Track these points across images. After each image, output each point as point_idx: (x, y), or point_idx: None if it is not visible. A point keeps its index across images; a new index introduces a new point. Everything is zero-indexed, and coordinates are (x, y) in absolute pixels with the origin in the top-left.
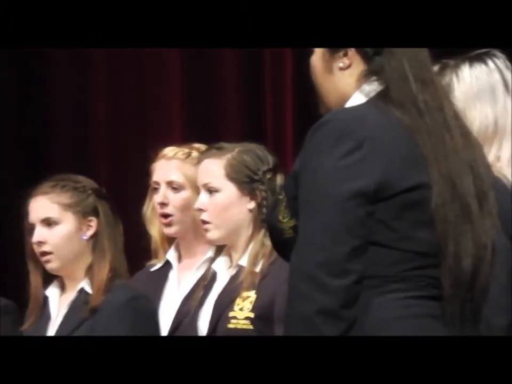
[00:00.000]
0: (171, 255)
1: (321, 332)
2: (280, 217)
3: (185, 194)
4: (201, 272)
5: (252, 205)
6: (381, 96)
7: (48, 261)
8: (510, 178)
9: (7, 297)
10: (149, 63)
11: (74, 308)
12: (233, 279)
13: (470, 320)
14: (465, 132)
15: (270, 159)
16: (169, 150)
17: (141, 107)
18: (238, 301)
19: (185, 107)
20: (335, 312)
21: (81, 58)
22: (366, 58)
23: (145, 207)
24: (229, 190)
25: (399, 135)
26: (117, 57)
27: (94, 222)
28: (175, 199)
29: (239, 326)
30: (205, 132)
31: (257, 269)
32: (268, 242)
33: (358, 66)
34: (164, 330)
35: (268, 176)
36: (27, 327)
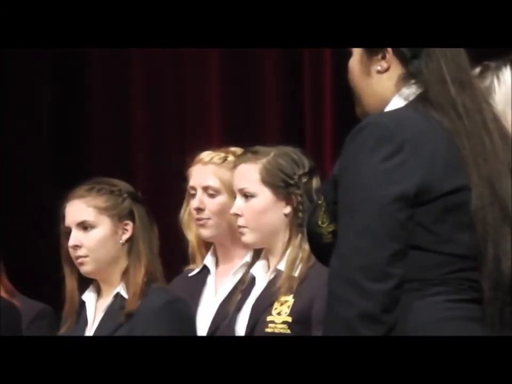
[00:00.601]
0: (208, 260)
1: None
2: (319, 222)
3: (221, 199)
4: (238, 277)
5: (288, 209)
6: (420, 99)
7: (83, 264)
8: None
9: (44, 301)
10: (188, 65)
11: (110, 312)
12: (271, 283)
13: (509, 323)
14: (504, 134)
15: (306, 163)
16: (206, 155)
17: (180, 111)
18: (276, 305)
19: (224, 110)
20: (375, 317)
21: (121, 60)
22: (404, 61)
23: (182, 212)
24: (265, 195)
25: (439, 138)
26: (156, 59)
27: (129, 226)
28: (211, 204)
29: (276, 330)
30: (244, 135)
31: (296, 274)
32: (306, 247)
33: (396, 69)
34: (202, 335)
35: (304, 180)
36: (64, 332)
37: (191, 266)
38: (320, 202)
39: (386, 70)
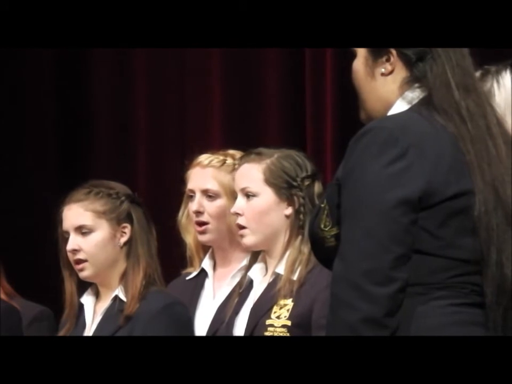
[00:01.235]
0: (206, 263)
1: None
2: (322, 226)
3: (220, 202)
4: (236, 280)
5: (289, 211)
6: (424, 103)
7: (82, 269)
8: None
9: (44, 304)
10: (190, 68)
11: (109, 315)
12: (270, 286)
13: None
14: (508, 139)
15: (309, 166)
16: (204, 158)
17: (181, 114)
18: (275, 308)
19: (225, 113)
20: (379, 321)
21: (122, 63)
22: (409, 65)
23: (180, 215)
24: (267, 195)
25: (443, 142)
26: (157, 59)
27: (128, 229)
28: (210, 207)
29: (276, 334)
30: (245, 137)
31: (295, 277)
32: (305, 249)
33: (401, 72)
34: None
35: (306, 182)
36: (63, 335)
37: (189, 269)
38: (323, 205)
39: (391, 72)
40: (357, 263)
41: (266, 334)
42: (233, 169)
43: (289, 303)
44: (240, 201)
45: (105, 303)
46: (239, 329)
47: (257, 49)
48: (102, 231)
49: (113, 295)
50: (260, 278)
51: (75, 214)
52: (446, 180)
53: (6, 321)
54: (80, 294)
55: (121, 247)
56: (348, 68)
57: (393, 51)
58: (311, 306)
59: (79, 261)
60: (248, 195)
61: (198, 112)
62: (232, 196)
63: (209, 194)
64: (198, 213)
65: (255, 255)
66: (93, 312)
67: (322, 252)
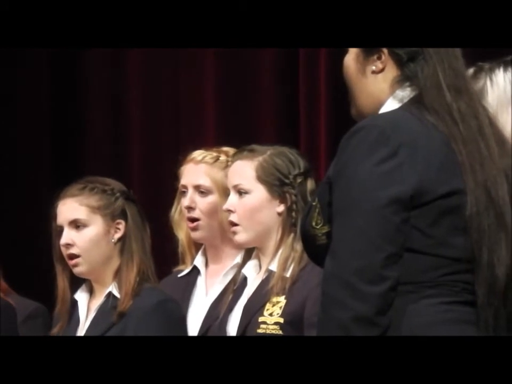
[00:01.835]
0: (199, 261)
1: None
2: (313, 223)
3: (212, 198)
4: (229, 278)
5: (281, 208)
6: (415, 102)
7: (76, 264)
8: None
9: (39, 300)
10: (184, 65)
11: (102, 312)
12: (263, 284)
13: (504, 327)
14: (500, 139)
15: (302, 163)
16: (198, 154)
17: (175, 111)
18: (268, 306)
19: (219, 110)
20: (370, 319)
21: (117, 60)
22: (400, 64)
23: (173, 211)
24: (259, 192)
25: (434, 141)
26: (152, 59)
27: (122, 225)
28: (202, 203)
29: (268, 331)
30: (238, 135)
31: (288, 274)
32: (298, 247)
33: (391, 71)
34: (193, 335)
35: (299, 180)
36: (56, 331)
37: (180, 267)
38: (314, 203)
39: (382, 70)
40: (348, 261)
41: (259, 331)
42: (227, 166)
43: (281, 300)
44: (232, 198)
45: (99, 299)
46: (232, 326)
47: (252, 48)
48: (96, 226)
49: (107, 292)
50: (253, 275)
51: (69, 208)
52: (437, 178)
53: (1, 318)
54: (74, 290)
55: (115, 243)
56: (341, 64)
57: (385, 50)
58: (303, 303)
59: (72, 256)
60: (241, 192)
61: (192, 110)
62: (225, 192)
63: (201, 190)
64: (190, 208)
65: (249, 252)
66: (87, 309)
67: (314, 249)
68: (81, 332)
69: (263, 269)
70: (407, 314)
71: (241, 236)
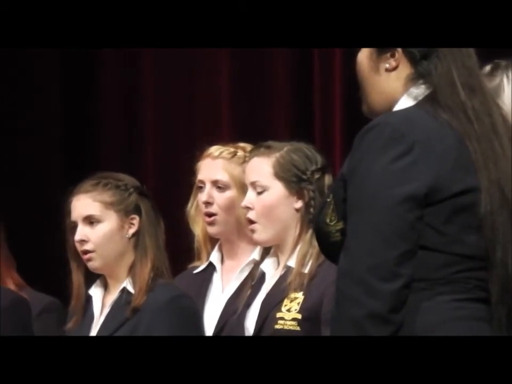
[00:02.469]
0: (214, 257)
1: (369, 335)
2: (328, 220)
3: (230, 193)
4: (245, 274)
5: (299, 204)
6: (429, 100)
7: (90, 260)
8: None
9: (51, 295)
10: (199, 60)
11: (116, 307)
12: (281, 280)
13: None
14: None
15: (319, 159)
16: (215, 149)
17: (190, 107)
18: (286, 301)
19: (234, 106)
20: (384, 317)
21: (132, 54)
22: (413, 62)
23: (189, 206)
24: (277, 189)
25: (448, 138)
26: (167, 55)
27: (136, 220)
28: (219, 199)
29: (286, 327)
30: (253, 132)
31: (306, 270)
32: (316, 243)
33: (405, 69)
34: (209, 332)
35: (316, 176)
36: (71, 326)
37: (196, 263)
38: (328, 200)
39: (395, 68)
40: (363, 258)
41: (277, 327)
42: (244, 161)
43: (299, 296)
44: (250, 195)
45: (113, 295)
46: (250, 321)
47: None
48: (110, 221)
49: (121, 287)
50: (272, 271)
51: (83, 204)
52: (451, 176)
53: (15, 312)
54: (88, 286)
55: (129, 239)
56: (355, 60)
57: (399, 48)
58: (321, 299)
59: (87, 252)
60: (258, 189)
61: (207, 105)
62: (242, 188)
63: (219, 186)
64: (208, 203)
65: (267, 249)
66: (101, 304)
67: (328, 246)
68: (95, 327)
69: (281, 265)
70: (420, 312)
71: (260, 235)
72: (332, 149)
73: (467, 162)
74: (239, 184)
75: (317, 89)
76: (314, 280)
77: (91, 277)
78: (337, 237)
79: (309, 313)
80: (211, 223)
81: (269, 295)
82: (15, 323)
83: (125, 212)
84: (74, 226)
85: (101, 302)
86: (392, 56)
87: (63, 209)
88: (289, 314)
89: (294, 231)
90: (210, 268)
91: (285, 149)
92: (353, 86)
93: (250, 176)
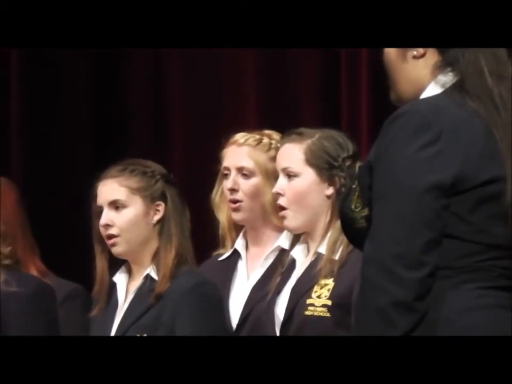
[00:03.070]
0: (239, 244)
1: (394, 323)
2: (353, 207)
3: (255, 180)
4: (269, 262)
5: (330, 191)
6: (457, 88)
7: (114, 244)
8: None
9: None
10: (225, 49)
11: (140, 294)
12: (311, 266)
13: None
14: None
15: (350, 146)
16: (240, 136)
17: (216, 93)
18: (316, 288)
19: (261, 94)
20: (409, 304)
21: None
22: (441, 49)
23: (214, 193)
24: (308, 176)
25: (476, 128)
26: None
27: (161, 207)
28: (245, 185)
29: (316, 313)
30: (280, 120)
31: (336, 257)
32: None
33: (432, 56)
34: (234, 319)
35: (348, 163)
36: (95, 313)
37: (221, 250)
38: (354, 186)
39: (423, 55)
40: (388, 246)
41: (307, 313)
42: (269, 148)
43: (330, 282)
44: (281, 181)
45: (137, 281)
46: (281, 308)
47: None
48: (136, 207)
49: (145, 274)
50: (302, 258)
51: (110, 189)
52: (478, 165)
53: (41, 300)
54: (113, 274)
55: (154, 225)
56: (383, 50)
57: None
58: (351, 286)
59: (111, 236)
60: (289, 175)
61: (233, 92)
62: (267, 175)
63: (244, 173)
64: (233, 190)
65: (297, 235)
66: (125, 291)
67: (353, 232)
68: (119, 313)
69: (311, 252)
70: (444, 300)
71: (291, 222)
72: (359, 136)
73: (494, 152)
74: (264, 171)
75: (344, 75)
76: (344, 267)
77: (115, 265)
78: (362, 223)
79: (339, 300)
80: (236, 209)
81: (299, 281)
82: (41, 310)
83: (151, 198)
84: (100, 211)
85: (125, 288)
86: None
87: (89, 195)
88: (319, 300)
89: (324, 218)
90: (235, 255)
91: (317, 135)
92: (380, 72)
93: (282, 162)
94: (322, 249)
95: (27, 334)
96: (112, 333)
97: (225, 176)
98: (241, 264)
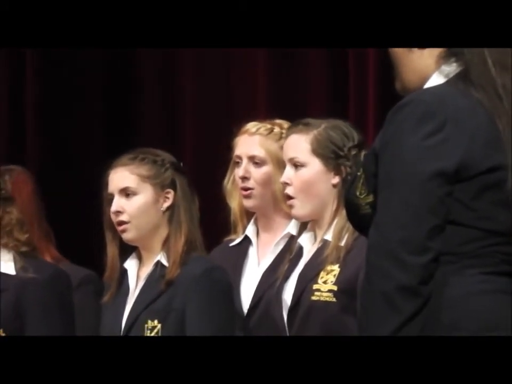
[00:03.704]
0: (250, 230)
1: (398, 308)
2: (358, 193)
3: (266, 169)
4: (279, 248)
5: (336, 180)
6: (461, 78)
7: (124, 230)
8: None
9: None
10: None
11: (151, 280)
12: (318, 253)
13: None
14: None
15: (355, 136)
16: (252, 126)
17: (227, 85)
18: (322, 274)
19: (270, 85)
20: (413, 289)
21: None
22: None
23: (226, 180)
24: (315, 165)
25: (479, 117)
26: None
27: (171, 195)
28: (256, 174)
29: (322, 299)
30: (289, 111)
31: (342, 244)
32: None
33: None
34: (246, 304)
35: (353, 152)
36: (107, 299)
37: (232, 236)
38: (359, 173)
39: None
40: (393, 232)
41: (313, 298)
42: (280, 137)
43: (336, 268)
44: (288, 171)
45: (148, 268)
46: (288, 294)
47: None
48: (146, 194)
49: (155, 260)
50: (309, 246)
51: (121, 177)
52: (481, 153)
53: (57, 285)
54: (124, 260)
55: (164, 212)
56: None
57: None
58: (356, 272)
59: (122, 222)
60: (296, 165)
61: (243, 84)
62: (278, 163)
63: (255, 161)
64: (244, 178)
65: (305, 223)
66: (136, 277)
67: (358, 219)
68: (131, 299)
69: (318, 239)
70: (447, 284)
71: (299, 210)
72: (366, 126)
73: (497, 140)
74: (275, 160)
75: (351, 69)
76: (350, 253)
77: (126, 252)
78: (367, 209)
79: (345, 285)
80: (247, 197)
81: (306, 267)
82: (57, 295)
83: (161, 186)
84: (111, 198)
85: (135, 275)
86: None
87: (101, 182)
88: (326, 286)
89: (331, 206)
90: (246, 241)
91: (323, 126)
92: (387, 63)
93: (289, 153)
94: (329, 236)
95: (44, 318)
96: (124, 318)
97: (237, 164)
98: (252, 251)
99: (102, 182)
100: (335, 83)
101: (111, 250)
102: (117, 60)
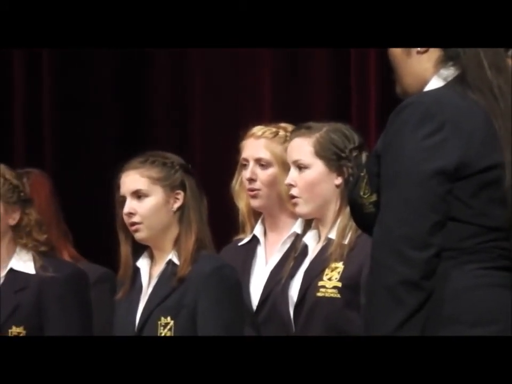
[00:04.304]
0: (258, 230)
1: (402, 301)
2: (361, 193)
3: (272, 170)
4: (286, 247)
5: (339, 180)
6: (458, 81)
7: (137, 230)
8: None
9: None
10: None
11: (163, 278)
12: (323, 251)
13: None
14: None
15: (356, 138)
16: (258, 129)
17: (234, 90)
18: (327, 271)
19: (275, 89)
20: (416, 283)
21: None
22: None
23: (234, 182)
24: (318, 167)
25: (476, 117)
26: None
27: (181, 195)
28: (262, 175)
29: (327, 295)
30: (292, 111)
31: (346, 241)
32: None
33: (435, 51)
34: (254, 301)
35: (354, 153)
36: (120, 297)
37: (240, 236)
38: (362, 174)
39: (426, 51)
40: (396, 229)
41: (318, 294)
42: (285, 140)
43: (340, 266)
44: (292, 173)
45: (160, 266)
46: (294, 290)
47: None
48: (157, 196)
49: (167, 259)
50: (313, 244)
51: (132, 179)
52: (479, 153)
53: (76, 283)
54: (136, 259)
55: (174, 212)
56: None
57: None
58: (360, 269)
59: (134, 224)
60: (300, 167)
61: (249, 87)
62: (283, 165)
63: (261, 163)
64: (251, 180)
65: (309, 222)
66: (149, 276)
67: (362, 218)
68: (144, 297)
69: (322, 237)
70: (448, 279)
71: (302, 208)
72: (368, 128)
73: (493, 140)
74: (280, 162)
75: (353, 71)
76: (353, 250)
77: (138, 252)
78: (371, 208)
79: (349, 282)
80: (254, 197)
81: (311, 265)
82: (75, 293)
83: (171, 188)
84: (123, 200)
85: (148, 273)
86: None
87: (112, 185)
88: (330, 282)
89: (334, 206)
90: (254, 240)
91: (324, 129)
92: (388, 67)
93: (293, 155)
94: (333, 234)
95: (63, 315)
96: (138, 315)
97: (244, 166)
98: (260, 250)
99: (114, 184)
100: (337, 88)
101: (124, 249)
102: (127, 62)
